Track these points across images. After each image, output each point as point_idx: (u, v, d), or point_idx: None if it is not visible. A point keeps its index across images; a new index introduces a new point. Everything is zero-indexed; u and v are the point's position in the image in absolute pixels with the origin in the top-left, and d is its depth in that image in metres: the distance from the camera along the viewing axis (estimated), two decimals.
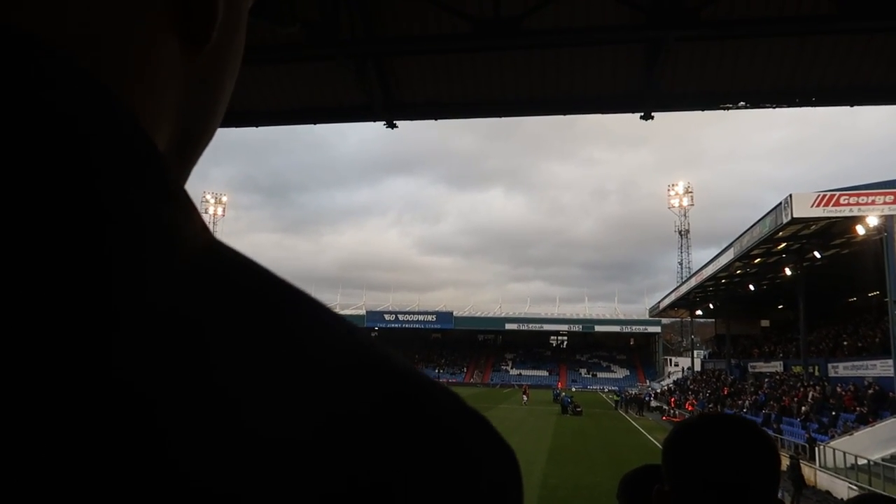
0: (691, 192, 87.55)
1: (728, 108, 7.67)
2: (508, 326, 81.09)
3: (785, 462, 18.68)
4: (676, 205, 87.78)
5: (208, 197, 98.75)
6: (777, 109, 7.66)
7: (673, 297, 55.40)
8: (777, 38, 6.77)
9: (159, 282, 0.21)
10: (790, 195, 25.19)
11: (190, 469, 0.19)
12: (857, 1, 5.79)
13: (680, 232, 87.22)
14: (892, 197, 23.90)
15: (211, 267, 0.24)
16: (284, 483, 0.20)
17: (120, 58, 0.28)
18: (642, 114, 7.59)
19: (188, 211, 0.26)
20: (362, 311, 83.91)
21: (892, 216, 23.70)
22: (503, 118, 8.31)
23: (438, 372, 79.29)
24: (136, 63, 0.29)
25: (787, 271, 34.08)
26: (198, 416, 0.19)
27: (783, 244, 30.64)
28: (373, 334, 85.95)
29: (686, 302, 53.18)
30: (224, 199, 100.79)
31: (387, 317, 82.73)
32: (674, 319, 74.94)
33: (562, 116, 8.28)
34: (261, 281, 0.25)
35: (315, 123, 8.88)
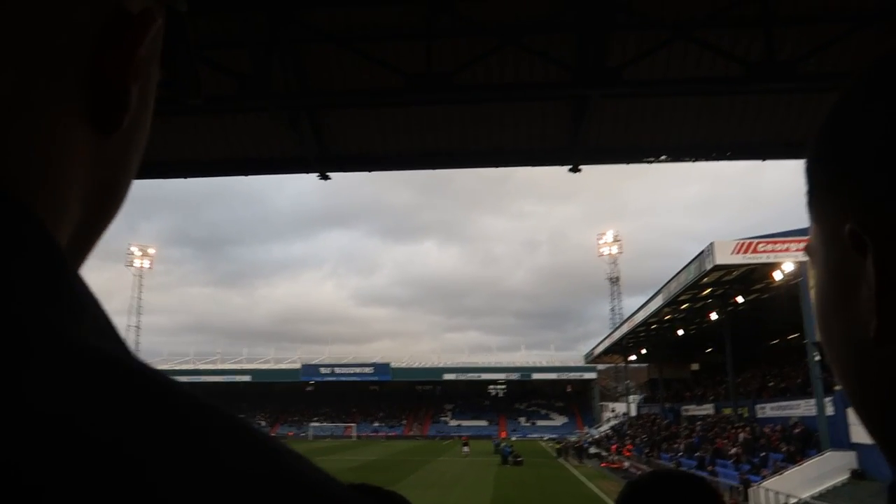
0: (619, 241, 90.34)
1: (651, 162, 8.02)
2: (447, 376, 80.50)
3: None
4: (606, 252, 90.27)
5: (134, 249, 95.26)
6: (695, 163, 8.06)
7: (607, 344, 56.42)
8: (693, 96, 7.17)
9: (35, 383, 0.21)
10: (712, 243, 26.34)
11: None
12: (763, 65, 6.21)
13: (611, 279, 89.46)
14: (804, 243, 25.27)
15: (88, 368, 0.23)
16: None
17: (26, 151, 0.29)
18: (571, 166, 7.84)
19: (77, 312, 0.26)
20: (298, 365, 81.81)
21: (805, 261, 25.00)
22: (436, 171, 8.43)
23: (377, 425, 77.64)
24: (42, 158, 0.29)
25: (713, 316, 35.32)
26: None
27: (708, 290, 31.84)
28: (308, 388, 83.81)
29: (619, 348, 54.22)
30: (151, 251, 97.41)
31: (322, 370, 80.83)
32: (609, 365, 76.17)
33: (494, 171, 8.48)
34: (135, 381, 0.24)
35: (248, 175, 8.78)
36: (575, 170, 7.86)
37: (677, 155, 7.98)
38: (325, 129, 7.63)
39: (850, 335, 0.39)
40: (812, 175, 0.44)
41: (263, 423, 78.26)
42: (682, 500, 1.28)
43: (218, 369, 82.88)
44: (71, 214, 0.32)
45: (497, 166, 8.37)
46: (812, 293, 0.44)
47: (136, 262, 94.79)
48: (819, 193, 0.43)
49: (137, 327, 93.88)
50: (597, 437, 57.66)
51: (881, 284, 0.35)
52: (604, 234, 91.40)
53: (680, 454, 34.92)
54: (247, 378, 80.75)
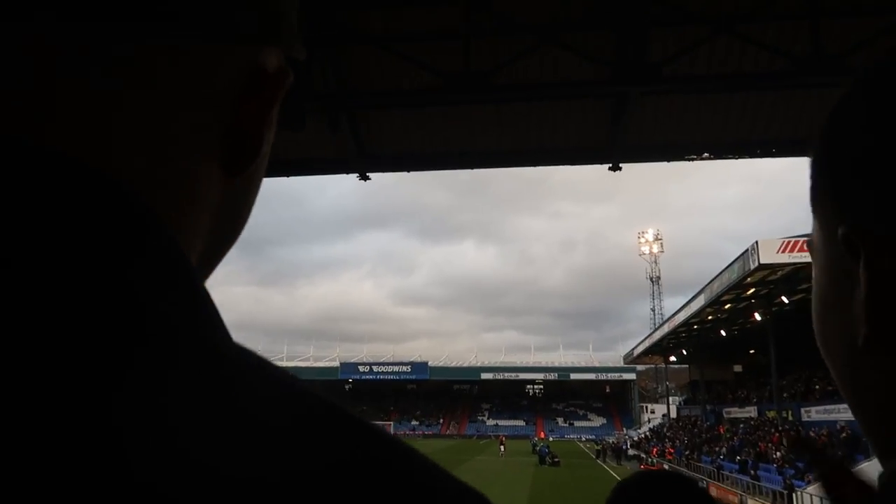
0: (661, 240, 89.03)
1: (692, 160, 7.89)
2: (484, 376, 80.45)
3: None
4: (647, 252, 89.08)
5: None
6: (737, 162, 7.91)
7: (647, 344, 55.65)
8: (736, 92, 7.04)
9: (185, 370, 0.25)
10: (756, 241, 25.75)
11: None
12: (809, 60, 6.07)
13: (651, 278, 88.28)
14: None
15: (222, 363, 0.26)
16: None
17: (171, 190, 0.33)
18: (610, 165, 7.77)
19: (210, 311, 0.30)
20: (336, 363, 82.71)
21: None
22: (474, 170, 8.43)
23: (415, 424, 77.97)
24: (183, 193, 0.34)
25: (757, 316, 34.54)
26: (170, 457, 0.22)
27: (752, 289, 31.15)
28: (346, 386, 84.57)
29: (660, 348, 53.44)
30: None
31: (361, 368, 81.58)
32: (648, 366, 75.14)
33: (532, 171, 8.49)
34: (261, 376, 0.27)
35: (289, 175, 8.92)
36: (615, 168, 7.79)
37: (720, 152, 7.83)
38: (364, 130, 7.70)
39: (844, 337, 0.40)
40: (813, 173, 0.44)
41: None
42: (670, 501, 1.28)
43: None
44: (199, 243, 0.36)
45: (535, 165, 8.34)
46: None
47: None
48: (818, 193, 0.43)
49: None
50: (636, 438, 56.91)
51: (871, 292, 0.36)
52: (645, 232, 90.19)
53: (721, 457, 34.25)
54: None
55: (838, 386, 0.42)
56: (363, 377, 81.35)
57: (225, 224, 0.38)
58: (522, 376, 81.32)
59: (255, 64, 0.36)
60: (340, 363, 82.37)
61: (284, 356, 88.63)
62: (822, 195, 0.42)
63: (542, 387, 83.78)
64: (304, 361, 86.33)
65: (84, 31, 0.30)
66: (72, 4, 0.30)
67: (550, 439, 64.21)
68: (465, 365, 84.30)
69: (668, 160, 8.08)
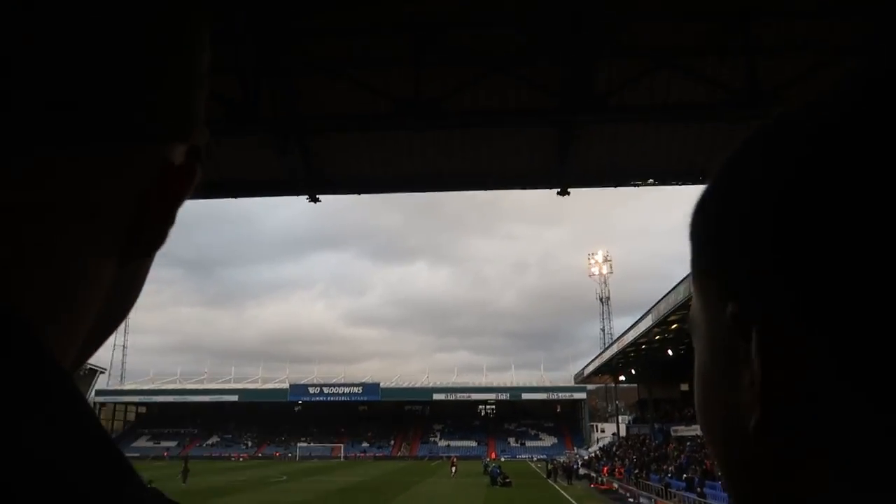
0: (610, 261, 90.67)
1: (638, 185, 8.10)
2: (436, 397, 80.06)
3: None
4: (597, 273, 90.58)
5: None
6: (682, 187, 8.15)
7: (597, 364, 56.39)
8: (679, 122, 7.27)
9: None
10: None
11: None
12: (746, 93, 6.32)
13: (601, 299, 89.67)
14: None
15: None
16: None
17: (60, 287, 0.32)
18: (559, 189, 7.90)
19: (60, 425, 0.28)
20: (285, 385, 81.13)
21: None
22: (426, 194, 8.48)
23: (366, 446, 76.94)
24: (71, 289, 0.33)
25: None
26: None
27: None
28: (296, 408, 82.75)
29: (609, 367, 54.18)
30: None
31: (311, 390, 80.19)
32: (598, 385, 76.08)
33: (483, 194, 8.56)
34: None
35: (237, 197, 8.79)
36: (563, 193, 7.93)
37: (664, 178, 8.07)
38: (315, 153, 7.67)
39: (730, 419, 0.36)
40: (694, 245, 0.40)
41: (250, 444, 77.38)
42: None
43: (205, 389, 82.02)
44: (85, 327, 0.35)
45: (486, 189, 8.43)
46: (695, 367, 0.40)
47: None
48: (700, 259, 0.39)
49: (124, 346, 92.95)
50: (586, 457, 57.41)
51: (765, 379, 0.32)
52: (594, 254, 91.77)
53: (669, 475, 34.80)
54: (234, 398, 79.94)
55: (721, 473, 0.38)
56: (313, 398, 79.96)
57: (115, 305, 0.37)
58: (475, 396, 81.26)
59: (163, 161, 0.36)
60: (290, 385, 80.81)
61: (232, 378, 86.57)
62: (705, 270, 0.38)
63: (494, 407, 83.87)
64: (252, 383, 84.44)
65: None
66: None
67: (502, 459, 64.21)
68: (418, 385, 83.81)
69: (615, 185, 8.27)
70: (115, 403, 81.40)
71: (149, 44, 0.34)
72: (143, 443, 77.15)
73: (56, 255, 0.32)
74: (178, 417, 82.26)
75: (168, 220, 0.36)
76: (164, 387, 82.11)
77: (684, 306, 30.41)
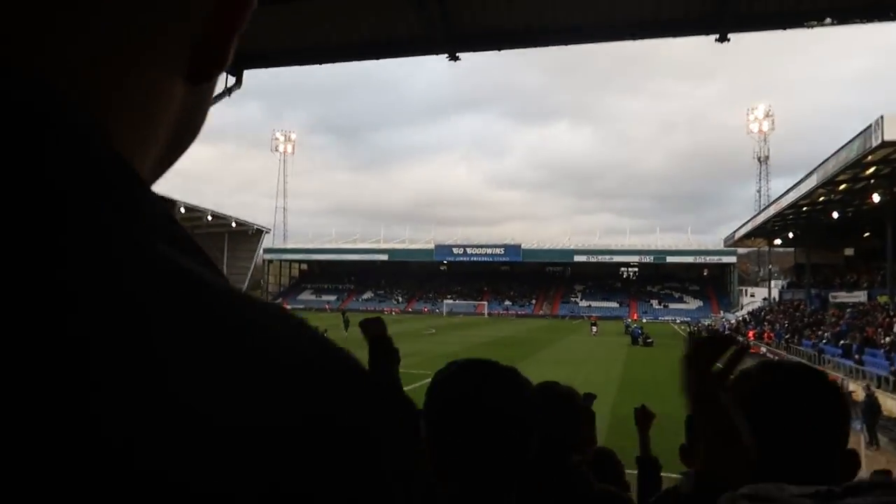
0: (771, 116, 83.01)
1: (812, 26, 7.16)
2: (577, 258, 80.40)
3: (862, 394, 18.16)
4: (756, 129, 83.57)
5: (278, 135, 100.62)
6: (864, 27, 7.09)
7: (749, 227, 53.46)
8: None
9: (116, 274, 0.24)
10: (881, 116, 23.50)
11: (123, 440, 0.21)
12: None
13: (759, 158, 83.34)
14: None
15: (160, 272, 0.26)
16: (212, 467, 0.22)
17: (131, 101, 0.33)
18: (718, 36, 7.19)
19: (152, 211, 0.29)
20: (431, 245, 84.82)
21: None
22: (570, 49, 8.01)
23: (508, 304, 79.97)
24: (143, 104, 0.34)
25: (875, 198, 32.19)
26: (135, 388, 0.22)
27: (872, 169, 28.86)
28: (441, 267, 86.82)
29: (764, 231, 51.24)
30: (293, 136, 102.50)
31: (455, 250, 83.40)
32: (750, 249, 72.58)
33: (632, 48, 7.96)
34: (206, 292, 0.27)
35: (377, 58, 8.84)
36: (723, 39, 7.21)
37: (845, 16, 7.05)
38: (453, 7, 7.42)
39: None
40: None
41: (400, 300, 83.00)
42: (796, 394, 1.25)
43: (357, 248, 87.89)
44: (156, 147, 0.36)
45: (635, 39, 7.83)
46: None
47: (280, 148, 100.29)
48: None
49: (284, 209, 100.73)
50: (733, 321, 56.11)
51: None
52: (754, 108, 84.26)
53: (824, 341, 33.34)
54: (384, 257, 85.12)
55: None
56: (457, 259, 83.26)
57: (183, 128, 0.39)
58: (617, 259, 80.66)
59: None
60: (435, 245, 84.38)
61: (382, 239, 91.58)
62: None
63: (636, 269, 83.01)
64: (400, 244, 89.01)
65: None
66: None
67: (644, 321, 64.38)
68: (559, 247, 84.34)
69: (785, 28, 7.36)
70: (280, 261, 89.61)
71: None
72: (306, 296, 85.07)
73: (127, 68, 0.33)
74: (336, 274, 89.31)
75: (231, 37, 0.37)
76: (321, 246, 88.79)
77: (856, 165, 27.49)
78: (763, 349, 37.24)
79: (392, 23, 7.76)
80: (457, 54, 7.83)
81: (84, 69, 0.31)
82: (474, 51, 8.20)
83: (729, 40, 7.18)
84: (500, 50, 8.09)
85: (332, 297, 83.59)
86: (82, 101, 0.31)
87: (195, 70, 0.36)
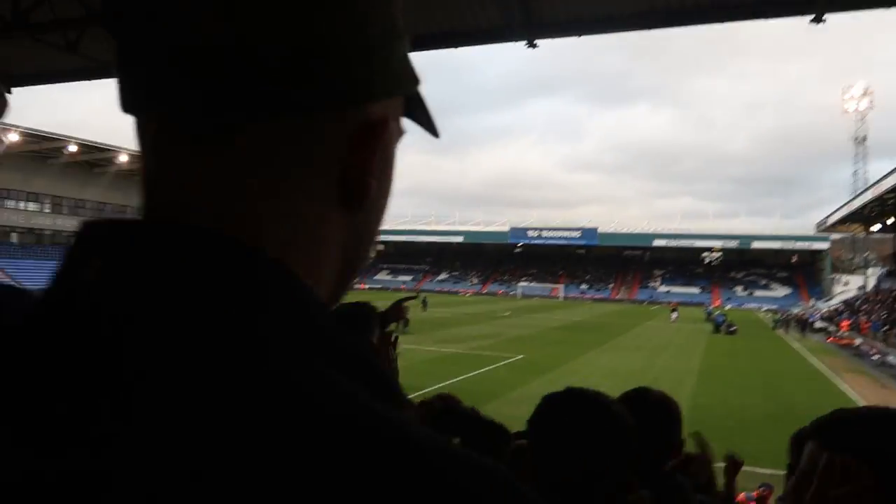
0: (870, 94, 77.86)
1: None
2: (657, 243, 78.25)
3: None
4: (852, 109, 78.65)
5: None
6: None
7: (845, 211, 50.54)
8: None
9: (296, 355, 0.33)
10: None
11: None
12: None
13: (856, 139, 78.49)
14: None
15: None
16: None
17: (299, 236, 0.40)
18: (813, 15, 6.84)
19: (321, 344, 0.36)
20: (506, 228, 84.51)
21: None
22: (652, 31, 7.80)
23: (584, 288, 78.90)
24: (309, 237, 0.41)
25: None
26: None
27: None
28: (516, 250, 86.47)
29: (861, 216, 48.35)
30: None
31: (530, 233, 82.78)
32: (844, 235, 68.67)
33: (714, 29, 7.65)
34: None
35: (455, 47, 8.87)
36: (818, 20, 6.86)
37: None
38: None
39: None
40: None
41: (475, 281, 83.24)
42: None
43: (433, 230, 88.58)
44: (331, 269, 0.43)
45: (723, 21, 7.54)
46: None
47: None
48: None
49: None
50: (824, 310, 53.40)
51: None
52: (850, 87, 79.25)
53: None
54: (459, 239, 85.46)
55: None
56: (532, 241, 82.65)
57: (351, 253, 0.44)
58: (698, 243, 77.97)
59: (364, 116, 0.41)
60: (510, 228, 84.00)
61: (456, 221, 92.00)
62: None
63: (720, 254, 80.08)
64: (475, 226, 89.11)
65: (221, 121, 0.37)
66: (217, 97, 0.36)
67: (727, 308, 62.15)
68: (637, 231, 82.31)
69: (887, 6, 6.92)
70: None
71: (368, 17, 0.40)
72: (383, 276, 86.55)
73: (290, 205, 0.39)
74: (412, 255, 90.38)
75: (370, 169, 0.42)
76: (397, 227, 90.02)
77: None
78: (857, 340, 35.33)
79: (472, 11, 7.77)
80: (535, 41, 7.77)
81: (272, 221, 0.39)
82: (553, 37, 8.11)
83: (824, 21, 6.82)
84: (579, 36, 7.97)
85: (408, 278, 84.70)
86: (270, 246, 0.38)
87: (346, 201, 0.42)
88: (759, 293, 74.47)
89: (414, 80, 0.44)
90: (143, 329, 0.33)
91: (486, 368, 20.35)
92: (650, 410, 1.85)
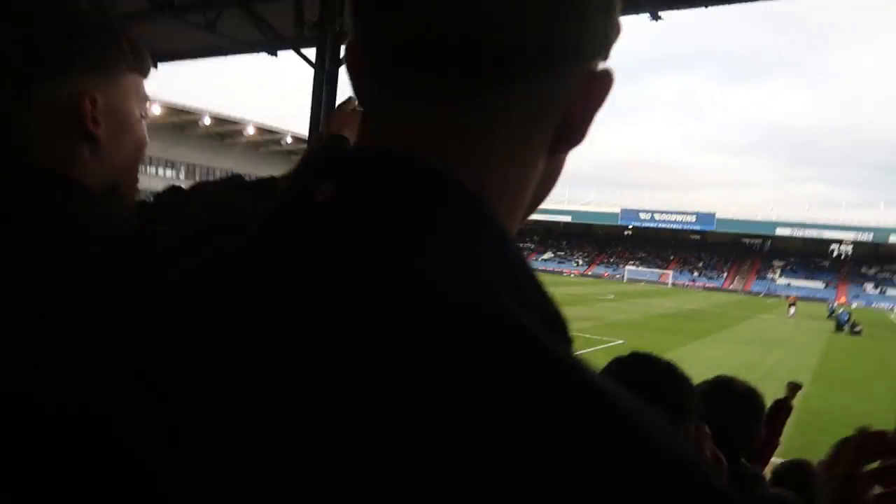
0: None
1: None
2: (780, 231, 73.57)
3: None
4: None
5: None
6: None
7: None
8: None
9: (471, 276, 0.37)
10: None
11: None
12: None
13: None
14: None
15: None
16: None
17: (506, 184, 0.44)
18: None
19: (499, 273, 0.39)
20: (616, 209, 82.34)
21: None
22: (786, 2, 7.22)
23: (695, 275, 75.79)
24: (521, 180, 0.45)
25: None
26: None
27: None
28: (626, 232, 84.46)
29: None
30: None
31: (642, 215, 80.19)
32: None
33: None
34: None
35: None
36: None
37: None
38: None
39: None
40: None
41: (580, 262, 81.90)
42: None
43: (541, 208, 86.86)
44: (523, 207, 0.47)
45: None
46: None
47: None
48: None
49: None
50: None
51: None
52: None
53: None
54: (567, 218, 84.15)
55: None
56: (643, 224, 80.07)
57: (542, 189, 0.48)
58: (827, 234, 72.57)
59: (588, 72, 0.44)
60: (621, 209, 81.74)
61: (566, 200, 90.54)
62: None
63: (850, 248, 74.25)
64: (584, 206, 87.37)
65: (474, 82, 0.41)
66: (475, 57, 0.40)
67: (853, 306, 57.74)
68: (759, 219, 77.73)
69: None
70: None
71: None
72: None
73: (511, 154, 0.43)
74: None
75: (588, 121, 0.45)
76: None
77: None
78: None
79: None
80: (659, 13, 7.41)
81: (493, 163, 0.43)
82: (678, 9, 7.71)
83: None
84: (706, 7, 7.52)
85: None
86: (479, 184, 0.42)
87: (558, 146, 0.46)
88: (892, 292, 68.53)
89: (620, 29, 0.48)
90: (373, 254, 0.36)
91: (585, 350, 20.08)
92: (734, 400, 1.84)
